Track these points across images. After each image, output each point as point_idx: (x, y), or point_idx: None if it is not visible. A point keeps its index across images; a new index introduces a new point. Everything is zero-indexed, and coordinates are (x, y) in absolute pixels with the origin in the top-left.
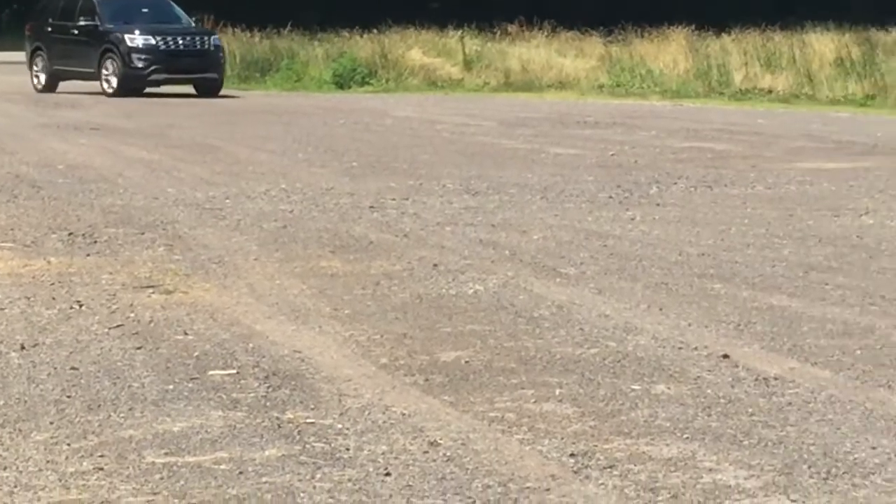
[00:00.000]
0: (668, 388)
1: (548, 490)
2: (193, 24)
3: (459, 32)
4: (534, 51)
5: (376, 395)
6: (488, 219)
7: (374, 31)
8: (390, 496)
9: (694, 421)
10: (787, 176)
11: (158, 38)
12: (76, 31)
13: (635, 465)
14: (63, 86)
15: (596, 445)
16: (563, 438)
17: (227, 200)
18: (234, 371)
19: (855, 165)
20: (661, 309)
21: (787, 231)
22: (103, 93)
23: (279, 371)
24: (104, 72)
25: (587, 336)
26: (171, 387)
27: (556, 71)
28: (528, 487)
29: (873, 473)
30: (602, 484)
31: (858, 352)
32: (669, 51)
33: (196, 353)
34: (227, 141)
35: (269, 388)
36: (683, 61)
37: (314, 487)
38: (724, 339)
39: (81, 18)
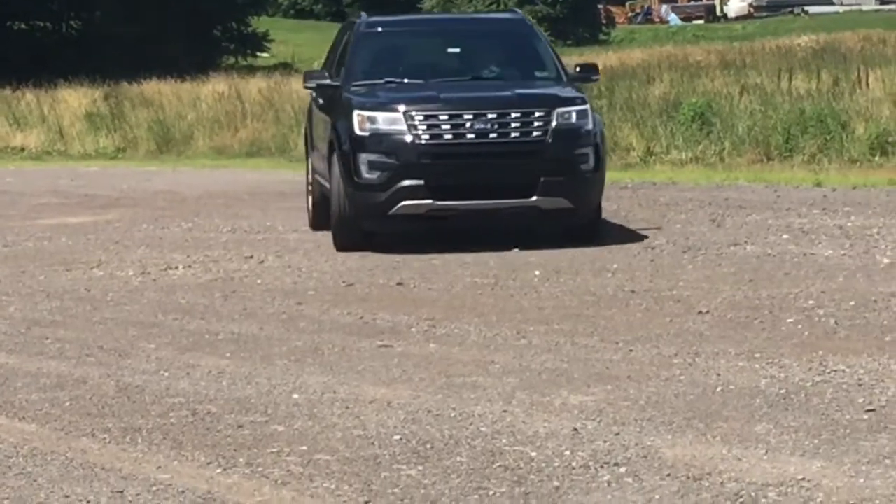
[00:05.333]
0: None
1: None
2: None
3: None
4: None
5: None
6: None
7: None
8: None
9: None
10: (28, 233)
11: (443, 116)
12: (322, 101)
13: None
14: None
15: None
16: None
17: None
18: None
19: (96, 219)
20: None
21: (16, 288)
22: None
23: None
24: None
25: None
26: None
27: None
28: None
29: None
30: None
31: (68, 403)
32: None
33: None
34: None
35: None
36: None
37: None
38: None
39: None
